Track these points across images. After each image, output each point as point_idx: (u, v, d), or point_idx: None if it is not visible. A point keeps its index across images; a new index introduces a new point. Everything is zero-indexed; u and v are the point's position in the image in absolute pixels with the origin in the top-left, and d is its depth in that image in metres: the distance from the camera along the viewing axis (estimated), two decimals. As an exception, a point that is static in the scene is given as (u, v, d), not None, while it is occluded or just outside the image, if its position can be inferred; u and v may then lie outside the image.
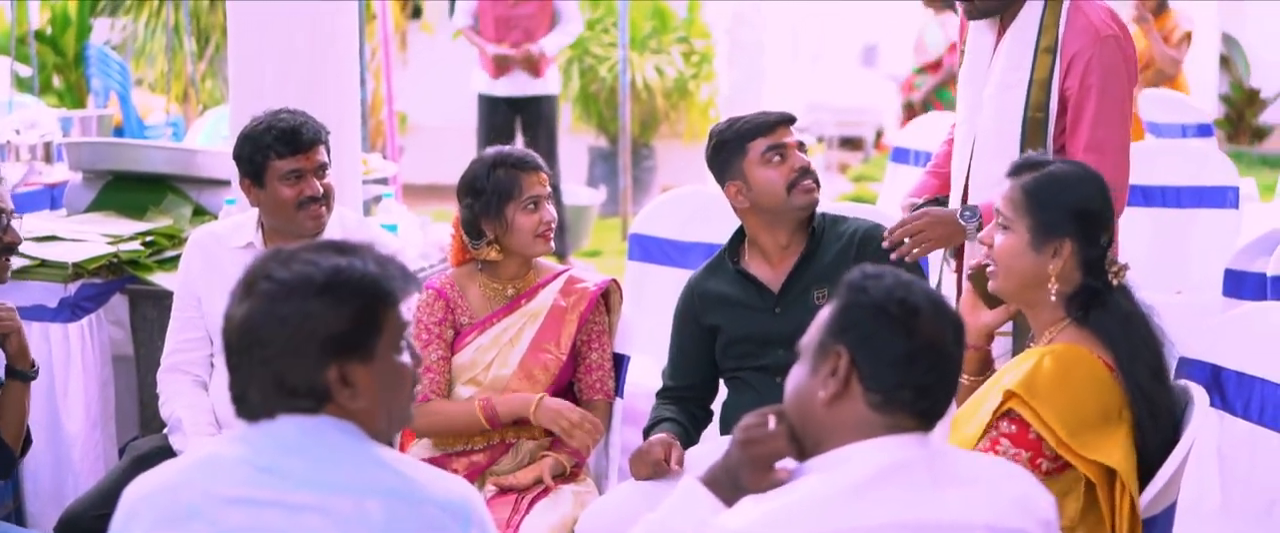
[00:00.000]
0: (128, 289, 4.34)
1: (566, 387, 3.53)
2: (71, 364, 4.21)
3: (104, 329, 4.30)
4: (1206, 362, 3.17)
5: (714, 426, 3.54)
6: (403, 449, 3.59)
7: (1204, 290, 4.98)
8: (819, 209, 3.45)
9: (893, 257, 3.26)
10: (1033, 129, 3.31)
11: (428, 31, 11.33)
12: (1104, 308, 2.66)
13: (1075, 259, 2.67)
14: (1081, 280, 2.68)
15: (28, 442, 3.28)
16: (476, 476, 3.43)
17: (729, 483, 2.08)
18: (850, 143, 12.91)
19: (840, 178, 11.85)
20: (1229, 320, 3.32)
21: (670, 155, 10.93)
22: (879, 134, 12.96)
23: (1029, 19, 3.34)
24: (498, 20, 8.35)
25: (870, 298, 2.02)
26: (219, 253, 3.62)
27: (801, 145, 3.42)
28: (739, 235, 3.51)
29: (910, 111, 9.28)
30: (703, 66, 10.95)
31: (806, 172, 3.38)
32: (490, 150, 3.51)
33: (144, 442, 3.72)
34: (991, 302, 2.90)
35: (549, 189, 3.48)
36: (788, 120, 3.42)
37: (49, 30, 10.21)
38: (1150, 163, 5.38)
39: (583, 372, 3.53)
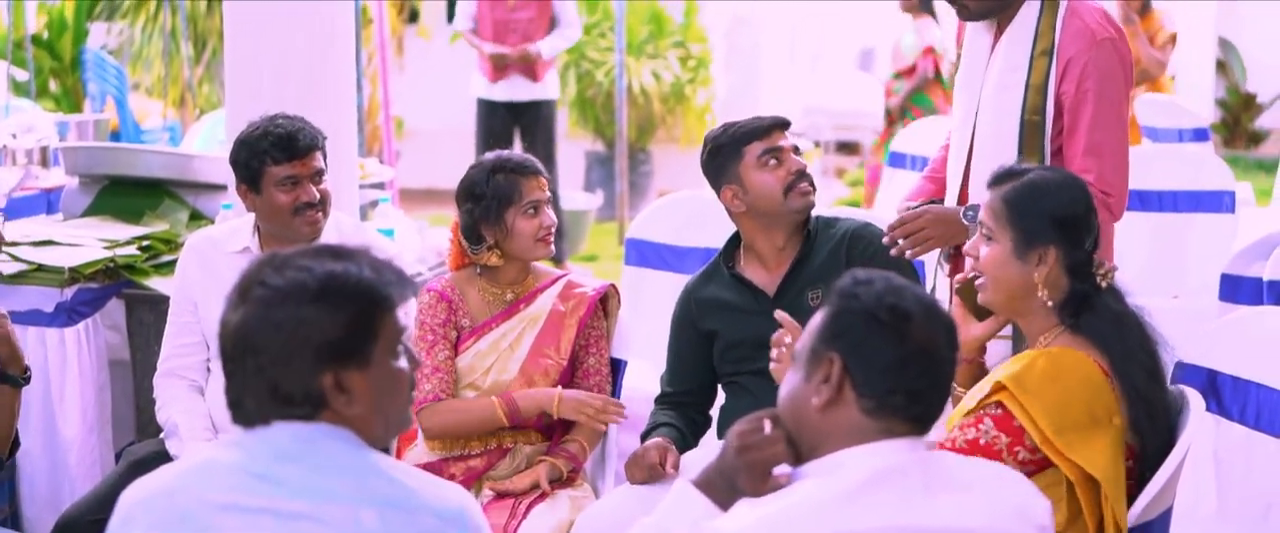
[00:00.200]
0: (124, 294, 4.33)
1: (565, 391, 3.54)
2: (68, 369, 4.21)
3: (100, 334, 4.30)
4: (1203, 366, 3.17)
5: (713, 430, 3.54)
6: (399, 453, 3.59)
7: (1200, 295, 4.98)
8: (814, 212, 3.46)
9: (892, 254, 3.26)
10: (1030, 132, 3.31)
11: (424, 36, 11.34)
12: (1094, 311, 2.67)
13: (1061, 265, 2.68)
14: (1069, 286, 2.69)
15: (15, 444, 3.28)
16: (474, 480, 3.43)
17: (724, 487, 2.08)
18: (847, 147, 12.91)
19: (837, 182, 11.85)
20: (1225, 325, 3.32)
21: (667, 160, 10.94)
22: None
23: (1025, 22, 3.34)
24: (496, 24, 8.36)
25: (861, 304, 2.02)
26: (215, 258, 3.62)
27: (796, 149, 3.42)
28: (734, 241, 3.51)
29: (889, 118, 9.30)
30: (699, 71, 10.95)
31: (803, 174, 3.39)
32: (489, 155, 3.50)
33: (140, 447, 3.72)
34: (981, 314, 2.91)
35: (548, 194, 3.48)
36: (782, 124, 3.42)
37: (46, 34, 10.22)
38: (1146, 167, 5.38)
39: (580, 376, 3.53)
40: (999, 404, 2.57)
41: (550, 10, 8.41)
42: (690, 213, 4.74)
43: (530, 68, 8.34)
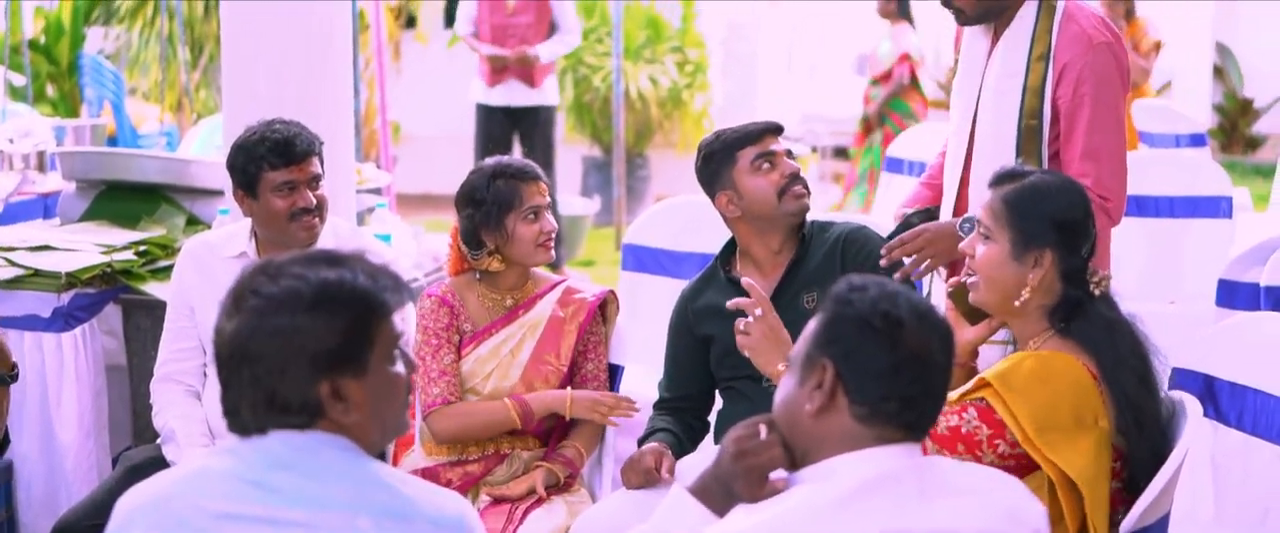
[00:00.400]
0: (121, 299, 4.33)
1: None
2: (65, 374, 4.20)
3: (97, 339, 4.30)
4: (1200, 372, 3.17)
5: (711, 435, 3.54)
6: (396, 459, 3.59)
7: (1197, 300, 4.98)
8: (809, 216, 3.46)
9: (897, 277, 3.24)
10: (1028, 136, 3.32)
11: (421, 41, 11.34)
12: (1086, 317, 2.68)
13: (1056, 269, 2.68)
14: (1063, 290, 2.69)
15: (5, 442, 3.28)
16: (470, 486, 3.43)
17: (720, 492, 2.08)
18: (844, 153, 12.90)
19: (835, 188, 11.85)
20: (1222, 330, 3.32)
21: (664, 165, 10.94)
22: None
23: (1022, 26, 3.34)
24: (495, 28, 8.37)
25: (855, 311, 2.02)
26: (212, 263, 3.61)
27: (789, 153, 3.42)
28: (730, 246, 3.51)
29: (867, 125, 9.32)
30: (697, 76, 10.96)
31: (796, 177, 3.39)
32: (489, 161, 3.50)
33: (137, 452, 3.72)
34: (974, 318, 2.91)
35: (548, 199, 3.48)
36: (775, 129, 3.42)
37: (43, 39, 10.23)
38: (1144, 173, 5.38)
39: (579, 382, 3.53)
40: (982, 399, 2.58)
41: (549, 14, 8.42)
42: (687, 218, 4.74)
43: (527, 72, 8.34)
